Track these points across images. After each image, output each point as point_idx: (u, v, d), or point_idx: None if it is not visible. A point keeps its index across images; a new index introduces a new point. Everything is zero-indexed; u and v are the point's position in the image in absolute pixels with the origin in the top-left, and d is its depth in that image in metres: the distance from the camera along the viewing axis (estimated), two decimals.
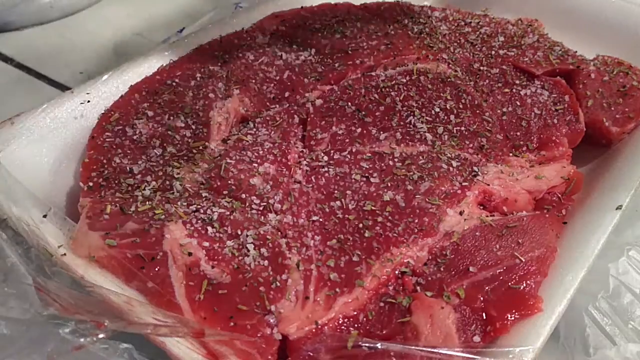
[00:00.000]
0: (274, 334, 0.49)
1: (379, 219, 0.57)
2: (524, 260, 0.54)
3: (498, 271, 0.53)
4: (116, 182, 0.61)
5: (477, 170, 0.64)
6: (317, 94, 0.73)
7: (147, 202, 0.58)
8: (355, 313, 0.51)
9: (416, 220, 0.57)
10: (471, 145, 0.67)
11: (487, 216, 0.60)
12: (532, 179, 0.64)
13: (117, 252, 0.52)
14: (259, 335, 0.48)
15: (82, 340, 0.43)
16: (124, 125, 0.67)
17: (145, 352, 0.47)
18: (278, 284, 0.51)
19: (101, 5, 1.12)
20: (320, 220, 0.58)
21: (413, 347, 0.47)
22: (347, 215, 0.58)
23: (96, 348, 0.45)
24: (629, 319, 0.59)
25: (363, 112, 0.70)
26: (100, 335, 0.44)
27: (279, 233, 0.56)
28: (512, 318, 0.50)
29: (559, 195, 0.64)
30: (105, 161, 0.63)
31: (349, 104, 0.71)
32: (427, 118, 0.69)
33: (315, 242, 0.55)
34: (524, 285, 0.52)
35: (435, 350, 0.46)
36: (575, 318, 0.59)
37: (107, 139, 0.65)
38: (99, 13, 1.10)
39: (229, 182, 0.61)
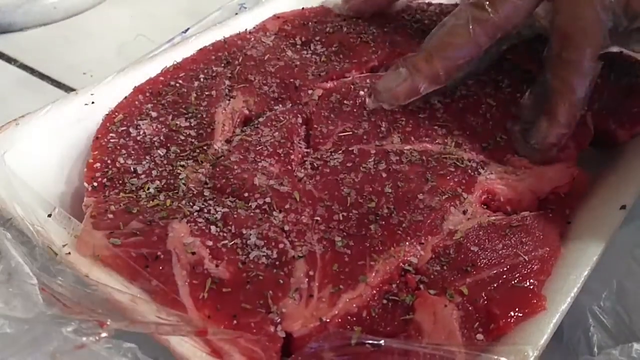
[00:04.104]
0: (278, 332, 0.49)
1: (383, 217, 0.57)
2: (527, 259, 0.54)
3: (501, 270, 0.53)
4: (120, 182, 0.61)
5: (480, 169, 0.64)
6: (321, 93, 0.73)
7: (151, 202, 0.58)
8: (358, 310, 0.51)
9: (420, 219, 0.57)
10: (475, 144, 0.67)
11: (490, 216, 0.60)
12: (535, 179, 0.64)
13: (121, 251, 0.52)
14: (262, 333, 0.48)
15: (85, 339, 0.43)
16: (128, 126, 0.67)
17: (149, 351, 0.47)
18: (281, 282, 0.52)
19: (105, 6, 1.12)
20: (324, 218, 0.58)
21: (416, 345, 0.47)
22: (350, 214, 0.58)
23: (99, 347, 0.45)
24: (633, 318, 0.59)
25: (367, 111, 0.70)
26: (103, 334, 0.44)
27: (283, 232, 0.56)
28: (516, 316, 0.50)
29: (563, 195, 0.63)
30: (109, 161, 0.63)
31: (353, 102, 0.71)
32: (431, 117, 0.69)
33: (319, 240, 0.55)
34: (528, 283, 0.52)
35: (439, 348, 0.46)
36: (579, 317, 0.59)
37: (111, 140, 0.65)
38: (103, 14, 1.11)
39: (233, 181, 0.61)
